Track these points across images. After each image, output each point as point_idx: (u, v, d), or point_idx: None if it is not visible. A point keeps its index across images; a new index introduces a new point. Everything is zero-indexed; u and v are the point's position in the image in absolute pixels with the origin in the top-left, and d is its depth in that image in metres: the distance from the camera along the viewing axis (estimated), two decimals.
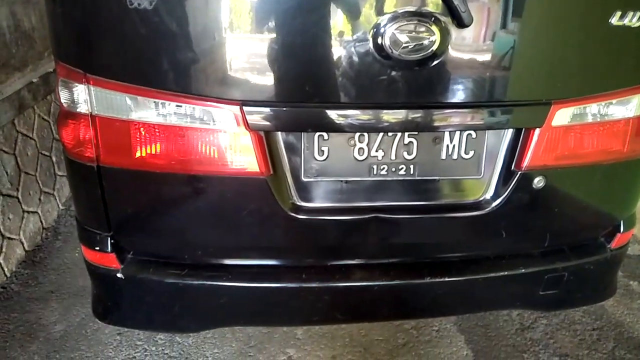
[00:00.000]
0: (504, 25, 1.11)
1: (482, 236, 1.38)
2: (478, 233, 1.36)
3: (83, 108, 1.16)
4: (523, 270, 1.41)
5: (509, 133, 1.27)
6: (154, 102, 1.12)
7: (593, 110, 1.26)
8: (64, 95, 1.18)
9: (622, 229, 1.49)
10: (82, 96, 1.14)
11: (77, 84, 1.14)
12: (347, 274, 1.34)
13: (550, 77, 1.20)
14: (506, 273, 1.40)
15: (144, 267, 1.34)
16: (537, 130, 1.24)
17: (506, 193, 1.29)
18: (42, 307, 2.10)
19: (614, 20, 1.13)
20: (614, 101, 1.27)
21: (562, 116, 1.24)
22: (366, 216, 1.27)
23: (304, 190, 1.26)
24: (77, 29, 1.10)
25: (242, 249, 1.32)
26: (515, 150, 1.27)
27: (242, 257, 1.34)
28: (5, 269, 2.25)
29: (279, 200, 1.22)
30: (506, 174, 1.29)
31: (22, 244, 2.40)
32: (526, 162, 1.26)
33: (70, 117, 1.19)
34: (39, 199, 2.56)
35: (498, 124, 1.23)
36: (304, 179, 1.25)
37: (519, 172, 1.27)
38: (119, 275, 1.33)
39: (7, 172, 2.27)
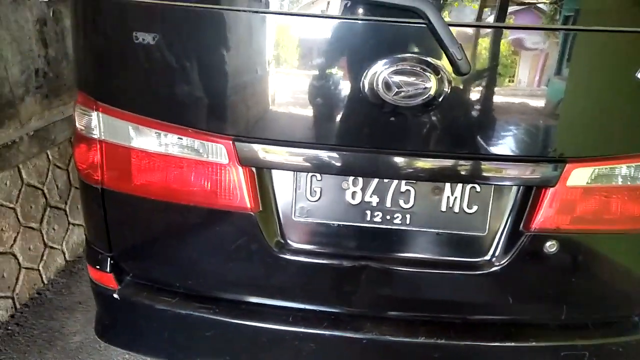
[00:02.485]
0: (510, 75, 1.05)
1: (485, 298, 1.26)
2: (480, 295, 1.25)
3: (93, 133, 1.23)
4: (534, 343, 1.26)
5: (518, 190, 1.17)
6: (153, 131, 1.16)
7: (617, 172, 1.13)
8: (79, 121, 1.26)
9: None
10: (93, 122, 1.22)
11: (89, 111, 1.21)
12: (335, 323, 1.28)
13: (565, 133, 1.10)
14: (513, 344, 1.26)
15: (139, 291, 1.36)
16: (550, 190, 1.13)
17: (512, 254, 1.18)
18: (67, 316, 2.21)
19: (639, 75, 1.02)
20: None
21: (579, 176, 1.12)
22: (356, 264, 1.22)
23: (294, 230, 1.23)
24: (91, 60, 1.19)
25: (229, 284, 1.31)
26: (524, 208, 1.17)
27: (229, 292, 1.33)
28: (44, 276, 2.41)
29: (267, 238, 1.20)
30: (513, 234, 1.18)
31: (64, 253, 2.56)
32: (536, 223, 1.15)
33: (82, 141, 1.27)
34: None
35: (504, 180, 1.14)
36: (294, 219, 1.22)
37: (528, 234, 1.16)
38: (115, 295, 1.37)
39: (57, 186, 2.46)
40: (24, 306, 2.25)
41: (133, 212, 1.29)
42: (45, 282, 2.41)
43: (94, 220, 1.36)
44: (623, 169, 1.13)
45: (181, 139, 1.16)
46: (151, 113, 1.14)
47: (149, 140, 1.17)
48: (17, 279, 2.21)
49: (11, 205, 2.14)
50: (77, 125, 1.27)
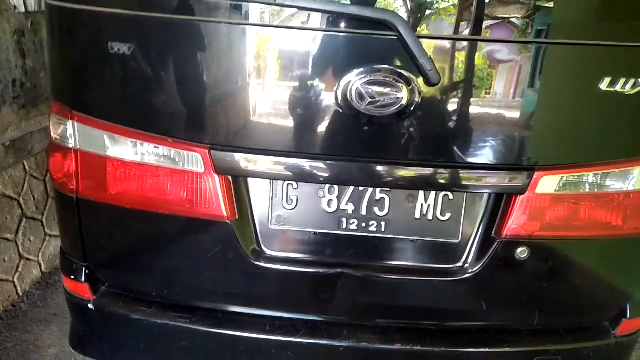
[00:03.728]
0: (478, 85, 1.08)
1: (458, 305, 1.28)
2: (454, 301, 1.26)
3: (68, 142, 1.22)
4: (508, 349, 1.29)
5: (489, 197, 1.20)
6: (129, 140, 1.16)
7: (585, 180, 1.17)
8: (54, 130, 1.25)
9: (628, 315, 1.33)
10: (69, 131, 1.22)
11: (65, 120, 1.21)
12: (312, 331, 1.29)
13: (533, 142, 1.13)
14: (488, 349, 1.28)
15: (115, 301, 1.35)
16: (520, 197, 1.16)
17: (484, 261, 1.20)
18: (42, 328, 2.16)
19: (604, 86, 1.06)
20: (610, 172, 1.17)
21: (547, 184, 1.15)
22: (332, 271, 1.23)
23: (270, 238, 1.24)
24: (67, 69, 1.19)
25: (206, 292, 1.31)
26: (495, 216, 1.19)
27: (206, 301, 1.32)
28: (19, 288, 2.36)
29: (243, 246, 1.21)
30: (485, 241, 1.21)
31: (40, 265, 2.51)
32: (507, 230, 1.18)
33: (57, 150, 1.26)
34: None
35: (474, 188, 1.17)
36: (271, 227, 1.23)
37: (499, 240, 1.19)
38: (90, 306, 1.35)
39: (34, 197, 2.42)
40: None
41: (109, 222, 1.28)
42: (20, 294, 2.36)
43: (68, 230, 1.35)
44: (590, 176, 1.16)
45: (157, 147, 1.17)
46: (127, 122, 1.14)
47: (125, 149, 1.17)
48: None
49: None
50: (53, 134, 1.26)
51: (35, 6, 2.18)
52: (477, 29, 1.02)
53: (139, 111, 1.14)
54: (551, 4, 1.04)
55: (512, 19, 1.06)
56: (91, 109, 1.17)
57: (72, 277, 1.36)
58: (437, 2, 1.01)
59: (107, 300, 1.36)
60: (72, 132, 1.20)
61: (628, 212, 1.19)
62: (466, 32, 1.03)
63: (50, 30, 1.17)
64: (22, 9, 2.14)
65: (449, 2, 1.02)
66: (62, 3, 1.09)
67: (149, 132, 1.14)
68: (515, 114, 1.10)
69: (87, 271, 1.35)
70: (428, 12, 1.02)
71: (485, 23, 1.03)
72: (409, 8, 1.00)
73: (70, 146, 1.22)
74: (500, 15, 1.04)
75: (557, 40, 1.03)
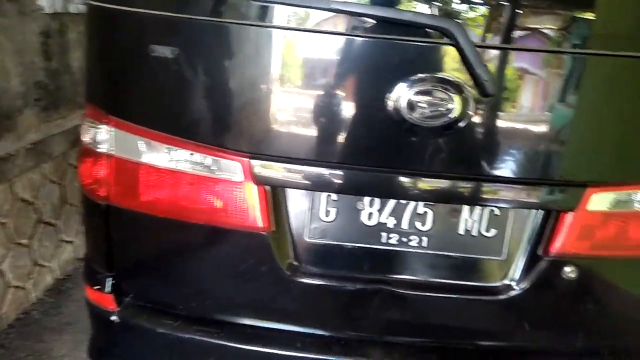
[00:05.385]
0: (535, 99, 1.04)
1: (501, 325, 1.22)
2: (496, 321, 1.21)
3: (101, 147, 1.19)
4: None
5: (537, 214, 1.15)
6: (164, 146, 1.13)
7: (637, 198, 1.12)
8: (86, 134, 1.22)
9: None
10: (102, 135, 1.18)
11: (99, 124, 1.17)
12: (345, 349, 1.23)
13: (585, 158, 1.09)
14: None
15: (139, 313, 1.30)
16: (569, 214, 1.11)
17: (530, 280, 1.15)
18: (55, 338, 2.11)
19: None
20: None
21: (599, 201, 1.11)
22: (370, 287, 1.18)
23: (306, 251, 1.19)
24: (104, 72, 1.16)
25: (236, 306, 1.26)
26: (543, 233, 1.14)
27: (236, 315, 1.27)
28: (32, 295, 2.31)
29: (278, 259, 1.16)
30: (531, 259, 1.16)
31: (53, 272, 2.47)
32: (555, 248, 1.13)
33: (89, 155, 1.22)
34: (77, 229, 2.65)
35: (523, 204, 1.12)
36: (307, 239, 1.19)
37: (546, 258, 1.14)
38: (113, 317, 1.30)
39: (50, 201, 2.39)
40: (10, 327, 2.14)
41: (139, 230, 1.24)
42: (34, 301, 2.31)
43: (96, 238, 1.31)
44: None
45: (193, 154, 1.13)
46: (164, 128, 1.11)
47: (161, 155, 1.14)
48: (4, 298, 2.12)
49: (2, 220, 2.06)
50: (84, 138, 1.23)
51: (61, 8, 2.16)
52: (531, 37, 0.99)
53: (178, 117, 1.10)
54: (604, 16, 1.00)
55: (553, 29, 1.02)
56: (127, 114, 1.13)
57: (96, 287, 1.32)
58: (496, 11, 0.97)
59: (131, 312, 1.30)
60: (106, 136, 1.17)
61: None
62: (523, 42, 0.99)
63: (90, 31, 1.15)
64: (49, 10, 2.12)
65: (504, 11, 0.98)
66: (104, 3, 1.06)
67: (187, 139, 1.10)
68: (567, 129, 1.06)
69: (113, 281, 1.30)
70: (483, 21, 0.98)
71: (538, 34, 0.99)
72: (467, 16, 0.97)
73: (104, 151, 1.18)
74: (546, 27, 1.01)
75: (615, 52, 0.99)
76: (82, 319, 2.23)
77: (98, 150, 1.19)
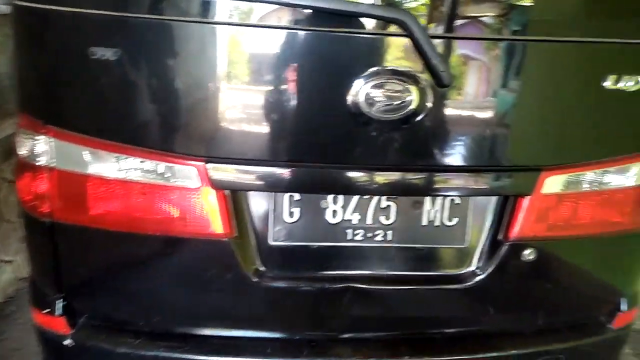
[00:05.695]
0: (488, 87, 1.05)
1: (467, 311, 1.25)
2: (462, 308, 1.24)
3: (41, 160, 1.09)
4: (514, 351, 1.27)
5: (495, 200, 1.18)
6: (113, 156, 1.05)
7: (588, 178, 1.17)
8: (22, 147, 1.12)
9: (624, 308, 1.35)
10: (41, 147, 1.08)
11: (36, 135, 1.08)
12: (317, 350, 1.21)
13: (538, 143, 1.12)
14: (495, 354, 1.26)
15: (96, 334, 1.22)
16: (526, 199, 1.15)
17: (493, 265, 1.18)
18: None
19: (608, 84, 1.06)
20: (611, 169, 1.18)
21: (553, 184, 1.15)
22: (338, 286, 1.17)
23: (271, 255, 1.16)
24: (39, 79, 1.06)
25: (201, 317, 1.21)
26: (502, 219, 1.17)
27: (201, 326, 1.22)
28: None
29: (243, 265, 1.12)
30: (493, 245, 1.19)
31: None
32: (514, 232, 1.16)
33: (27, 170, 1.12)
34: (17, 248, 2.46)
35: (482, 191, 1.15)
36: (272, 243, 1.15)
37: (507, 243, 1.17)
38: (67, 342, 1.21)
39: None
40: None
41: (89, 246, 1.16)
42: None
43: (41, 258, 1.21)
44: (592, 174, 1.17)
45: (144, 162, 1.06)
46: (111, 135, 1.03)
47: (108, 165, 1.06)
48: None
49: None
50: (20, 152, 1.12)
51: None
52: (487, 27, 1.00)
53: (126, 123, 1.03)
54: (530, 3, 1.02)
55: (503, 17, 1.04)
56: (68, 122, 1.05)
57: (46, 310, 1.22)
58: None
59: (86, 333, 1.22)
60: (45, 148, 1.07)
61: (629, 207, 1.21)
62: (472, 31, 1.00)
63: (18, 35, 1.04)
64: None
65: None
66: (33, 4, 0.97)
67: (136, 145, 1.03)
68: (519, 115, 1.09)
69: (63, 302, 1.21)
70: (438, 10, 0.98)
71: (489, 21, 1.01)
72: (422, 6, 0.96)
73: (44, 164, 1.09)
74: (496, 15, 1.02)
75: (561, 38, 1.02)
76: (31, 344, 2.08)
77: (37, 163, 1.10)
